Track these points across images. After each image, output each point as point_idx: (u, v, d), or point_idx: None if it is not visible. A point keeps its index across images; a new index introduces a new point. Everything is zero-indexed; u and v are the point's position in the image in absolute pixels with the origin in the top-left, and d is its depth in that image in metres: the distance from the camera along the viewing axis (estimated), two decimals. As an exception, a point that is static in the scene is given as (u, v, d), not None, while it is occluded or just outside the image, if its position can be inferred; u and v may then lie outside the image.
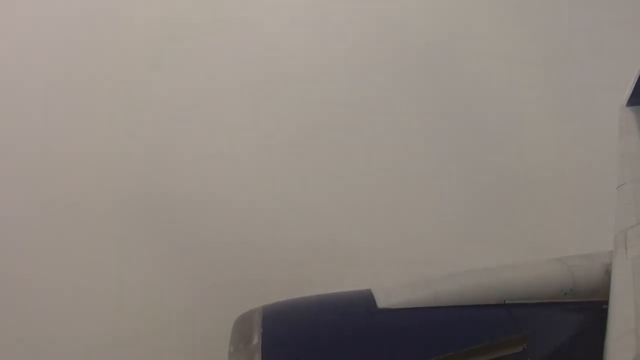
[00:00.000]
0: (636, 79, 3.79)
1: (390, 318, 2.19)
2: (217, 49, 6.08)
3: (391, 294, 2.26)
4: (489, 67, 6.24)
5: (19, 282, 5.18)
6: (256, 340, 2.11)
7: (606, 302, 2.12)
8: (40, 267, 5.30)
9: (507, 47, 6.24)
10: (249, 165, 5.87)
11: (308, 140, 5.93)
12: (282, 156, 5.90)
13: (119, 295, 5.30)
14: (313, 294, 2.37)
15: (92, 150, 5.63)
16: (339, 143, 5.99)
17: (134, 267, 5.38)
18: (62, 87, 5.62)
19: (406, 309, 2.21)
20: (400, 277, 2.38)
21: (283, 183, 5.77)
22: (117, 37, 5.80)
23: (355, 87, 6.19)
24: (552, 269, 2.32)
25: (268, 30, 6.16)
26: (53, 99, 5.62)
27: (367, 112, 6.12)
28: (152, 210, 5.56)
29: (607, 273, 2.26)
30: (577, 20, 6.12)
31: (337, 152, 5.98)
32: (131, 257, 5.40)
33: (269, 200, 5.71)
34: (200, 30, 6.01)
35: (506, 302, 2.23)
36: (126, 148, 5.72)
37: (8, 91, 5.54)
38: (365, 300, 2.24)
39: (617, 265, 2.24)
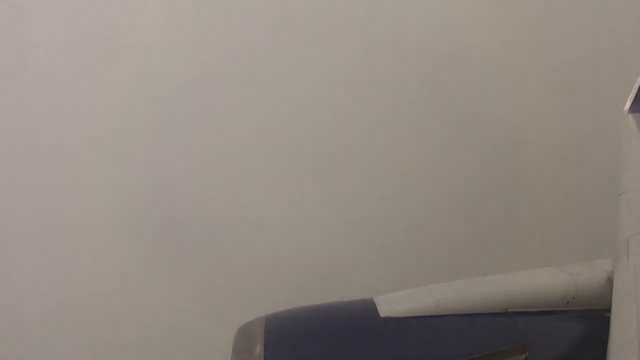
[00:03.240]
0: (639, 85, 3.80)
1: (393, 327, 2.19)
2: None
3: (393, 302, 2.27)
4: (492, 70, 6.24)
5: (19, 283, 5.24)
6: (259, 350, 2.12)
7: (609, 310, 2.12)
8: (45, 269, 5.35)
9: (509, 50, 6.24)
10: (251, 174, 5.87)
11: (302, 147, 5.93)
12: (276, 164, 5.91)
13: (121, 302, 5.32)
14: (315, 303, 2.37)
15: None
16: (333, 154, 5.99)
17: (137, 274, 5.39)
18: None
19: (408, 317, 2.21)
20: (402, 285, 2.39)
21: (282, 192, 5.77)
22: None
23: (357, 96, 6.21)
24: (554, 277, 2.33)
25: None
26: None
27: (365, 119, 6.13)
28: (156, 216, 5.57)
29: (610, 281, 2.26)
30: (581, 25, 6.12)
31: (333, 162, 5.98)
32: (134, 265, 5.41)
33: (267, 207, 5.72)
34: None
35: (508, 310, 2.23)
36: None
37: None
38: (367, 310, 2.25)
39: (619, 273, 2.25)
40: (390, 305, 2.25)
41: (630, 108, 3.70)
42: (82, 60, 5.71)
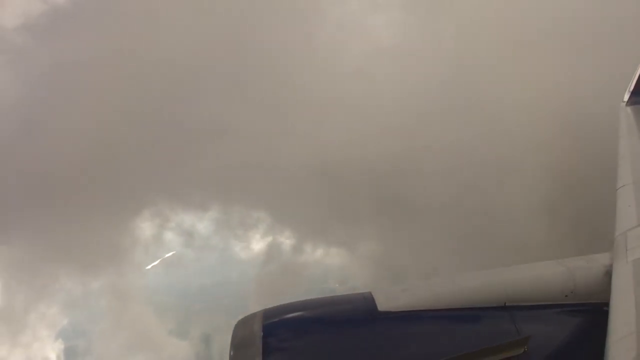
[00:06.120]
0: (636, 78, 3.76)
1: (391, 321, 2.19)
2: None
3: (392, 296, 2.26)
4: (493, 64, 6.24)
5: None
6: (257, 344, 2.12)
7: (607, 304, 2.12)
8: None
9: (510, 44, 6.22)
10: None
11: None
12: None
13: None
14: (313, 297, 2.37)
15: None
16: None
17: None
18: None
19: (407, 311, 2.20)
20: (401, 279, 2.39)
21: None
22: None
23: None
24: (553, 271, 2.32)
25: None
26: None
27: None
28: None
29: (608, 275, 2.25)
30: (580, 18, 6.10)
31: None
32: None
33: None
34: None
35: (507, 304, 2.23)
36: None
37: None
38: (365, 303, 2.24)
39: (617, 267, 2.24)
40: (389, 299, 2.24)
41: (628, 100, 3.68)
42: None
